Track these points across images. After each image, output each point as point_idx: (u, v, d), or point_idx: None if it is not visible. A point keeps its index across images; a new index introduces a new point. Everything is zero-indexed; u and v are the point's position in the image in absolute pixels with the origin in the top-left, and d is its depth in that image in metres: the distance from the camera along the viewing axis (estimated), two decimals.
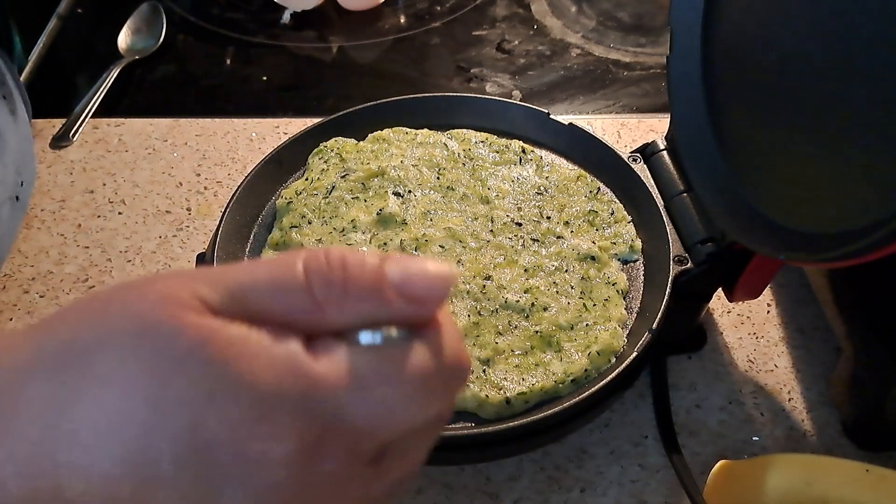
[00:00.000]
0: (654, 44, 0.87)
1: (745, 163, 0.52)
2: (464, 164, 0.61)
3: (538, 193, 0.59)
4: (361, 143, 0.63)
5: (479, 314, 0.52)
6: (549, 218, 0.58)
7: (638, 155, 0.60)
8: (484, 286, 0.53)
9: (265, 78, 0.83)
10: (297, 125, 0.76)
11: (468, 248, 0.56)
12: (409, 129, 0.64)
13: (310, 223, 0.57)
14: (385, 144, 0.62)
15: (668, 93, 0.57)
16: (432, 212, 0.58)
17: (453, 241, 0.56)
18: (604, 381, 0.48)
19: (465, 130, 0.64)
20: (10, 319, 0.61)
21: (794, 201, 0.48)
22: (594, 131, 0.62)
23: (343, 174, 0.60)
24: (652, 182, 0.58)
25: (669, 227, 0.55)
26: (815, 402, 0.56)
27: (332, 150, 0.62)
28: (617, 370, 0.49)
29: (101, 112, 0.78)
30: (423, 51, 0.87)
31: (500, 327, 0.52)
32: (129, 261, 0.65)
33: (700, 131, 0.55)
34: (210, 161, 0.73)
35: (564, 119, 0.63)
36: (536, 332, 0.52)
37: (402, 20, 0.91)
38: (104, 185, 0.72)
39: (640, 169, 0.59)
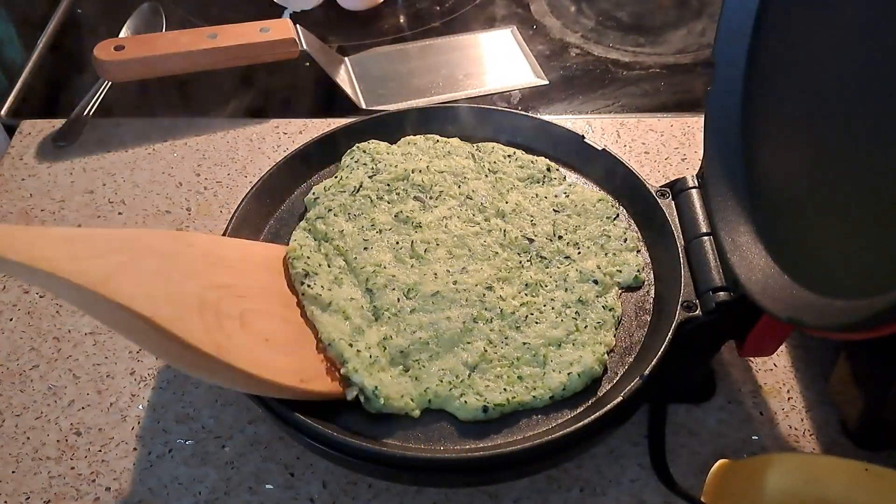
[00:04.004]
0: (654, 44, 0.87)
1: (773, 211, 0.50)
2: (486, 176, 0.62)
3: (555, 212, 0.60)
4: (393, 146, 0.64)
5: (475, 321, 0.53)
6: (560, 237, 0.58)
7: (667, 190, 0.59)
8: (484, 295, 0.54)
9: (265, 78, 0.83)
10: (296, 125, 0.76)
11: (476, 256, 0.57)
12: (440, 137, 0.65)
13: (335, 216, 0.59)
14: (415, 149, 0.64)
15: (704, 128, 0.55)
16: (448, 218, 0.59)
17: (462, 249, 0.57)
18: (591, 419, 0.47)
19: (494, 144, 0.65)
20: (10, 319, 0.61)
21: (814, 262, 0.46)
22: (628, 162, 0.61)
23: (371, 175, 0.62)
24: (676, 220, 0.57)
25: (684, 270, 0.54)
26: (815, 402, 0.56)
27: (364, 151, 0.63)
28: (598, 413, 0.48)
29: (101, 112, 0.78)
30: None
31: (491, 336, 0.53)
32: None
33: (732, 172, 0.53)
34: (210, 161, 0.73)
35: (598, 144, 0.63)
36: (525, 344, 0.52)
37: (402, 20, 0.91)
38: (104, 185, 0.72)
39: (667, 205, 0.58)
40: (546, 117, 0.67)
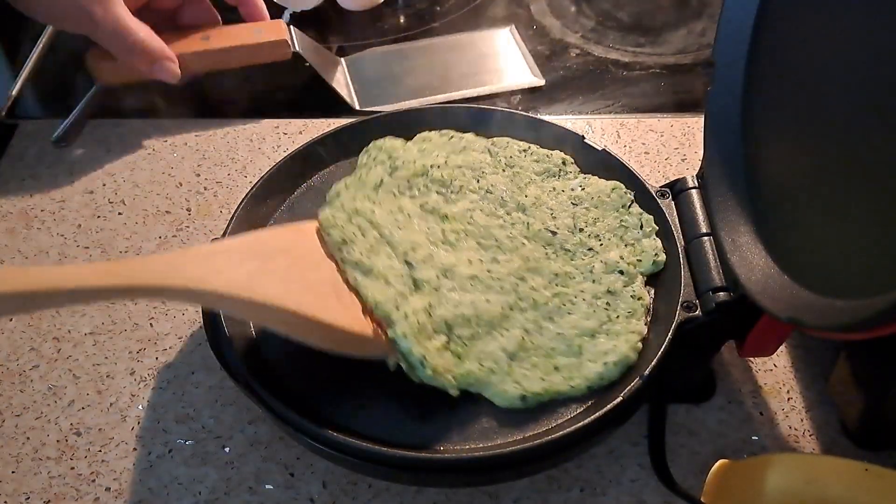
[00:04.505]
0: (654, 44, 0.87)
1: (773, 212, 0.50)
2: (503, 171, 0.62)
3: (573, 205, 0.60)
4: (408, 143, 0.64)
5: (511, 309, 0.53)
6: (581, 230, 0.59)
7: (667, 190, 0.59)
8: (517, 284, 0.54)
9: (264, 78, 0.83)
10: (296, 125, 0.76)
11: (504, 247, 0.57)
12: (454, 133, 0.65)
13: (361, 202, 0.59)
14: (430, 145, 0.64)
15: (704, 128, 0.55)
16: (472, 210, 0.59)
17: (490, 240, 0.57)
18: (590, 419, 0.48)
19: (508, 139, 0.65)
20: (11, 320, 0.61)
21: (814, 261, 0.46)
22: (628, 162, 0.62)
23: (390, 172, 0.62)
24: (676, 220, 0.57)
25: (684, 270, 0.54)
26: (815, 402, 0.56)
27: (380, 149, 0.63)
28: (598, 413, 0.48)
29: (101, 112, 0.78)
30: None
31: (527, 326, 0.53)
32: None
33: (732, 172, 0.53)
34: (210, 161, 0.73)
35: (598, 145, 0.63)
36: (559, 334, 0.53)
37: (402, 20, 0.91)
38: (104, 185, 0.72)
39: (667, 205, 0.58)
40: (546, 117, 0.67)
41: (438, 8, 0.92)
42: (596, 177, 0.62)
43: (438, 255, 0.55)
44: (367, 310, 0.51)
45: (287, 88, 0.82)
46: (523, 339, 0.52)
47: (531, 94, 0.81)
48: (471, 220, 0.58)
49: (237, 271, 0.47)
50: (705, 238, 0.55)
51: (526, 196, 0.60)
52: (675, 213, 0.58)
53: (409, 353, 0.49)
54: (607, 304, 0.54)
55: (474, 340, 0.52)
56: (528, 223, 0.58)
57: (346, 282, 0.53)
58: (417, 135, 0.65)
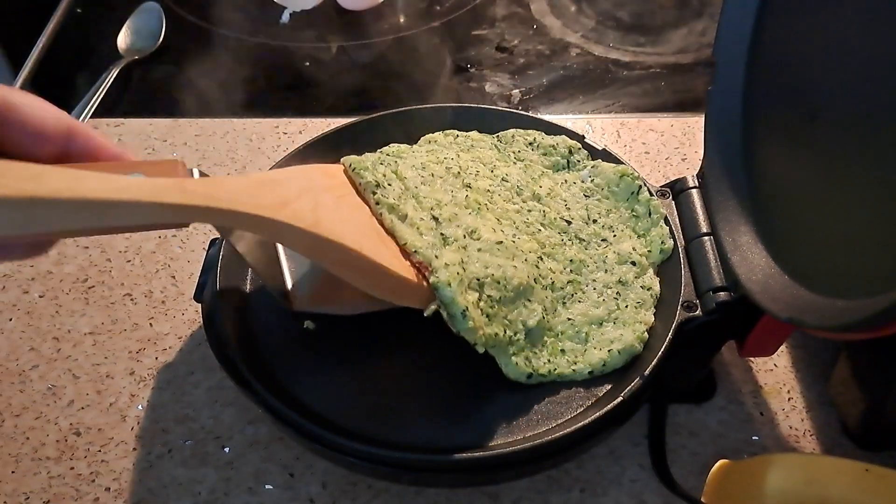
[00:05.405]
0: (654, 43, 0.87)
1: (774, 212, 0.50)
2: (515, 164, 0.62)
3: (586, 196, 0.60)
4: (414, 146, 0.63)
5: (535, 282, 0.53)
6: (595, 221, 0.59)
7: (667, 190, 0.59)
8: (538, 263, 0.54)
9: (264, 78, 0.83)
10: (296, 125, 0.76)
11: (521, 230, 0.56)
12: (459, 133, 0.64)
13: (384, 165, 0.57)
14: (437, 146, 0.63)
15: (704, 128, 0.55)
16: (491, 192, 0.58)
17: (508, 221, 0.56)
18: (590, 419, 0.47)
19: (514, 131, 0.64)
20: (10, 319, 0.61)
21: (815, 261, 0.46)
22: (628, 162, 0.61)
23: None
24: (677, 220, 0.57)
25: (685, 270, 0.54)
26: (815, 402, 0.56)
27: (388, 154, 0.62)
28: (598, 413, 0.48)
29: (101, 112, 0.78)
30: (423, 50, 0.87)
31: (546, 304, 0.53)
32: (129, 261, 0.65)
33: (732, 171, 0.53)
34: (209, 161, 0.73)
35: (598, 144, 0.63)
36: (569, 319, 0.53)
37: (402, 20, 0.91)
38: None
39: (668, 205, 0.58)
40: (546, 117, 0.67)
41: (438, 7, 0.92)
42: (605, 162, 0.62)
43: (464, 216, 0.54)
44: (405, 255, 0.50)
45: (287, 88, 0.82)
46: (543, 316, 0.52)
47: (531, 94, 0.81)
48: (491, 200, 0.57)
49: (300, 204, 0.45)
50: (706, 238, 0.54)
51: (540, 186, 0.60)
52: (675, 213, 0.58)
53: (451, 303, 0.48)
54: (617, 293, 0.54)
55: (502, 304, 0.51)
56: (543, 211, 0.58)
57: (382, 225, 0.51)
58: (421, 138, 0.64)
